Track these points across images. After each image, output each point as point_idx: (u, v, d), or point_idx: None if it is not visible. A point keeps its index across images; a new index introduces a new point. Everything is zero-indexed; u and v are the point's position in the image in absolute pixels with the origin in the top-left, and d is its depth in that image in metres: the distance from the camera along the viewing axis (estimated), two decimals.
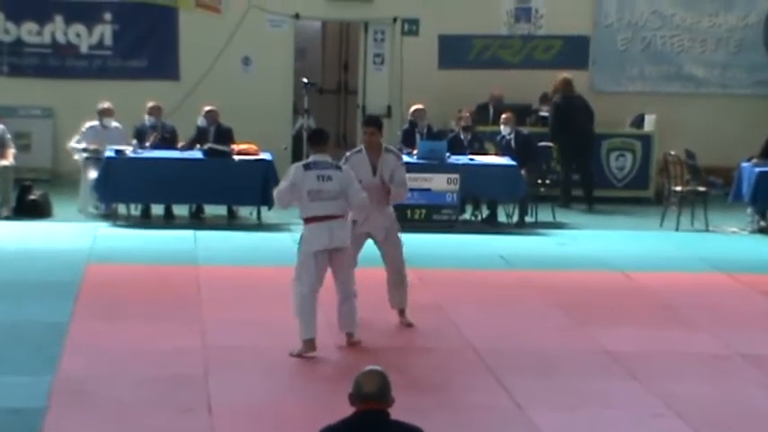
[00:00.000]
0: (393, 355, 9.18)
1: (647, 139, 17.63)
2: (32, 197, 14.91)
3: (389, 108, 18.26)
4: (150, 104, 15.35)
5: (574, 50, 18.39)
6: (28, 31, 17.60)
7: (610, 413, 8.51)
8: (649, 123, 17.64)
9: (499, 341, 10.12)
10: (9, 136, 15.27)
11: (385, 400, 5.24)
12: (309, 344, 9.46)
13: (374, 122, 10.26)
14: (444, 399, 8.65)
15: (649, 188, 17.62)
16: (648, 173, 17.62)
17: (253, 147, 15.12)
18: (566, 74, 17.08)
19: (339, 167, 9.60)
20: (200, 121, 15.29)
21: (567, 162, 16.81)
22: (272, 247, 13.64)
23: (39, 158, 17.24)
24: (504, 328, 10.57)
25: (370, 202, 9.70)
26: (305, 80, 15.84)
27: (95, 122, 15.40)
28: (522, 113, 16.95)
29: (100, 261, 12.47)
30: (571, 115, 16.69)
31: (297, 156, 16.45)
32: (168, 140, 15.30)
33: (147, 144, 14.93)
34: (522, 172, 15.25)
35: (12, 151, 15.12)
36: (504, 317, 10.93)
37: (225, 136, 15.14)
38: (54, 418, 7.86)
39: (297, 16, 18.14)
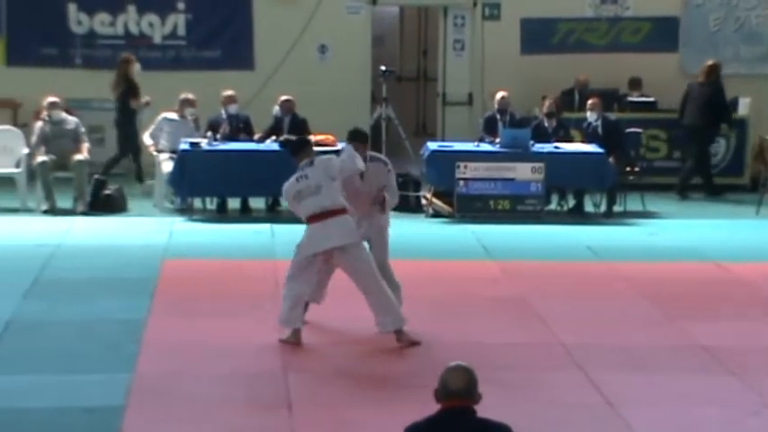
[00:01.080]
0: (476, 351, 8.90)
1: (741, 124, 17.16)
2: (107, 192, 14.80)
3: (470, 95, 17.96)
4: (225, 94, 15.12)
5: (663, 32, 17.99)
6: (101, 23, 17.50)
7: (705, 411, 8.25)
8: (744, 107, 17.21)
9: (587, 336, 9.88)
10: (83, 130, 15.16)
11: (471, 397, 5.14)
12: (297, 334, 9.40)
13: (360, 137, 10.02)
14: (532, 396, 8.43)
15: (744, 175, 17.20)
16: (743, 159, 17.20)
17: (330, 137, 14.85)
18: (711, 61, 16.61)
19: (312, 162, 9.56)
20: (276, 111, 15.05)
21: (687, 149, 16.41)
22: None
23: (113, 152, 17.09)
24: (592, 321, 10.32)
25: (356, 210, 9.64)
26: (383, 68, 15.56)
27: (171, 114, 15.20)
28: (608, 99, 16.62)
29: (176, 256, 12.39)
30: (695, 101, 16.26)
31: (375, 146, 16.13)
32: (243, 131, 15.06)
33: (218, 136, 14.69)
34: (610, 159, 14.89)
35: (86, 146, 15.01)
36: (592, 310, 10.69)
37: (300, 127, 14.88)
38: (133, 416, 7.81)
39: (374, 2, 17.89)
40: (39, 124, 14.99)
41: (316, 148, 14.40)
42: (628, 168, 15.65)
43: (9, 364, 8.83)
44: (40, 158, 14.66)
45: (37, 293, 10.77)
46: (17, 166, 14.98)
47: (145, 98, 15.83)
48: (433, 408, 5.28)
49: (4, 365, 8.81)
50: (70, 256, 12.29)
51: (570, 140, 15.47)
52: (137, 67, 15.99)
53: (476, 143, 15.25)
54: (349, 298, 10.70)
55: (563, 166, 14.68)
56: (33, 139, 14.91)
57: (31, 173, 14.83)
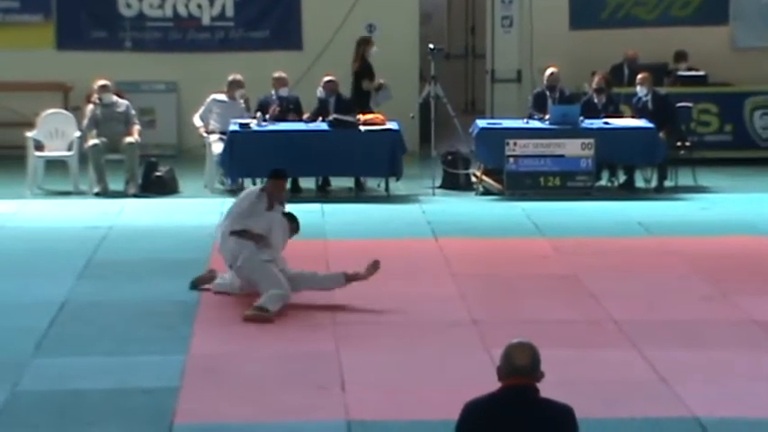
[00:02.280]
0: (529, 329, 8.82)
1: None
2: (158, 173, 14.85)
3: (519, 72, 17.85)
4: (276, 75, 15.11)
5: (713, 5, 17.77)
6: (149, 5, 17.51)
7: (761, 385, 8.16)
8: None
9: (640, 312, 9.82)
10: (134, 112, 15.22)
11: (534, 375, 5.05)
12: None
13: (286, 176, 10.48)
14: (586, 373, 8.39)
15: None
16: None
17: (379, 116, 14.82)
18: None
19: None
20: (320, 93, 15.02)
21: None
22: (401, 218, 13.46)
23: (163, 134, 17.19)
24: (644, 298, 10.25)
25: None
26: (431, 46, 15.45)
27: (220, 95, 15.22)
28: (658, 73, 16.44)
29: None
30: None
31: (424, 125, 16.11)
32: (292, 112, 15.06)
33: (267, 116, 14.70)
34: (661, 134, 14.75)
35: (137, 128, 15.06)
36: (644, 287, 10.60)
37: (345, 106, 14.84)
38: (188, 396, 7.83)
39: None
40: (90, 107, 15.06)
41: (366, 127, 14.53)
42: (678, 143, 15.50)
43: (65, 346, 8.89)
44: (92, 141, 14.73)
45: (90, 275, 10.84)
46: (69, 149, 15.07)
47: (379, 80, 15.73)
48: (489, 387, 5.24)
49: (60, 347, 8.87)
50: (122, 237, 12.35)
51: (620, 116, 15.33)
52: (374, 49, 15.94)
53: (525, 120, 15.18)
54: (404, 279, 10.73)
55: (613, 141, 14.56)
56: (85, 122, 15.00)
57: (83, 156, 14.90)
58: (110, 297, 10.12)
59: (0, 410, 7.59)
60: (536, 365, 5.06)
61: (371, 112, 14.98)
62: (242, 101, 15.22)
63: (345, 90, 15.14)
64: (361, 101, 15.42)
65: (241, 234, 9.94)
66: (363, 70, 15.68)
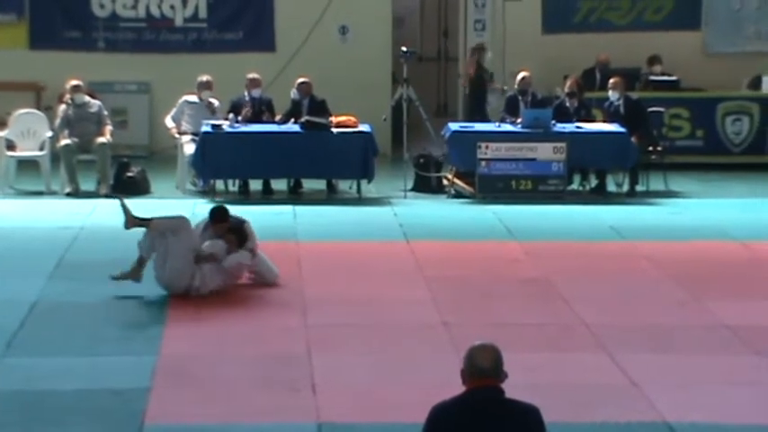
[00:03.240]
0: (500, 331, 8.85)
1: (765, 102, 17.01)
2: (130, 174, 14.81)
3: (491, 75, 17.84)
4: (250, 76, 15.08)
5: (685, 10, 17.87)
6: (123, 5, 17.47)
7: (732, 390, 8.18)
8: (767, 85, 16.99)
9: (611, 316, 9.85)
10: (106, 113, 15.17)
11: (498, 376, 5.07)
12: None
13: (224, 218, 10.56)
14: (557, 377, 8.39)
15: (767, 153, 16.98)
16: (767, 137, 17.00)
17: (351, 119, 14.81)
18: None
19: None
20: (293, 94, 15.02)
21: None
22: (372, 221, 13.47)
23: (135, 135, 17.13)
24: (616, 302, 10.28)
25: None
26: (404, 49, 15.47)
27: (192, 96, 15.18)
28: (630, 78, 16.48)
29: None
30: None
31: (396, 127, 16.13)
32: (265, 113, 15.04)
33: (239, 118, 14.68)
34: (633, 139, 14.80)
35: (109, 128, 15.01)
36: (615, 290, 10.63)
37: (319, 108, 14.85)
38: (158, 397, 7.83)
39: None
40: (62, 107, 15.00)
41: (339, 129, 14.54)
42: (650, 147, 15.56)
43: (34, 346, 8.85)
44: (64, 141, 14.68)
45: (61, 275, 10.80)
46: (41, 149, 15.01)
47: (496, 85, 15.79)
48: (460, 389, 5.25)
49: (30, 347, 8.83)
50: (93, 238, 12.31)
51: (592, 120, 15.38)
52: (489, 55, 15.99)
53: (497, 124, 15.21)
54: (375, 281, 10.73)
55: (585, 145, 14.60)
56: (57, 122, 14.94)
57: (55, 156, 14.86)
58: (80, 297, 10.09)
59: None
60: (499, 366, 5.08)
61: (486, 119, 15.46)
62: (208, 101, 15.15)
63: (319, 92, 15.12)
64: (478, 106, 15.64)
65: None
66: (479, 77, 15.86)
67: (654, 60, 17.13)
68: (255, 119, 14.89)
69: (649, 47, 17.23)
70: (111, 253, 11.62)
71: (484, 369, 5.04)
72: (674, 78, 17.09)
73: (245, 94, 15.06)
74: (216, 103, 15.21)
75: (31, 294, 10.08)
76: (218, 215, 10.53)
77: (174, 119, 15.25)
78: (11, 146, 15.00)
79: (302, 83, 15.07)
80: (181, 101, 15.25)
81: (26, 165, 15.12)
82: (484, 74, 16.22)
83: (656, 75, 17.01)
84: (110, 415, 7.56)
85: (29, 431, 7.35)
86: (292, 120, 14.83)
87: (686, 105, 16.96)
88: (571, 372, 8.51)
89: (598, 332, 9.32)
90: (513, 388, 5.17)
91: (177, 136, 15.13)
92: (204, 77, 15.21)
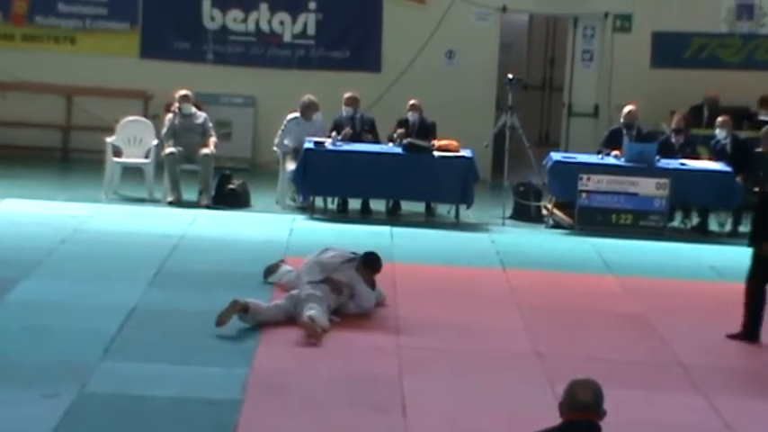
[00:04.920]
0: (593, 366, 8.78)
1: None
2: (232, 186, 14.94)
3: (596, 107, 17.78)
4: (347, 95, 15.17)
5: None
6: (233, 19, 17.67)
7: None
8: None
9: (708, 357, 9.71)
10: (211, 124, 15.32)
11: (597, 412, 5.07)
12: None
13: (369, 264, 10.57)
14: (649, 415, 8.28)
15: None
16: None
17: (453, 143, 14.80)
18: None
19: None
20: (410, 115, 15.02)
21: None
22: (469, 247, 13.42)
23: (239, 147, 17.31)
24: (713, 343, 10.12)
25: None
26: (510, 76, 15.43)
27: (297, 114, 15.28)
28: (739, 117, 16.27)
29: (296, 254, 12.34)
30: None
31: (497, 154, 16.09)
32: (368, 133, 15.09)
33: (339, 138, 14.75)
34: (738, 179, 14.58)
35: (213, 140, 15.15)
36: (713, 331, 10.44)
37: (428, 130, 14.88)
38: (249, 410, 7.86)
39: (504, 9, 17.80)
40: (169, 117, 15.20)
41: (440, 153, 14.55)
42: (755, 189, 15.32)
43: (132, 351, 8.96)
44: (169, 150, 14.86)
45: (160, 283, 10.92)
46: (146, 156, 15.22)
47: None
48: (550, 420, 5.23)
49: (127, 352, 8.94)
50: (193, 248, 12.43)
51: (697, 157, 15.20)
52: None
53: (600, 156, 15.10)
54: (469, 307, 10.70)
55: (689, 182, 14.43)
56: (163, 130, 15.13)
57: (159, 164, 15.05)
58: (178, 306, 10.19)
59: (67, 411, 7.66)
60: (599, 403, 5.08)
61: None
62: (316, 117, 15.19)
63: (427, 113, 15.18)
64: None
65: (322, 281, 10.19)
66: None
67: (765, 102, 16.89)
68: (356, 138, 14.95)
69: (760, 86, 17.01)
70: (209, 264, 11.77)
71: (584, 404, 5.03)
72: None
73: (343, 112, 15.13)
74: (320, 120, 15.28)
75: (130, 300, 10.20)
76: (379, 267, 10.55)
77: (280, 137, 15.29)
78: (117, 152, 15.24)
79: (412, 104, 15.10)
80: (287, 119, 15.30)
81: (131, 171, 15.34)
82: None
83: (766, 116, 16.77)
84: (202, 425, 7.63)
85: None
86: (397, 139, 14.82)
87: None
88: (664, 411, 8.40)
89: (693, 372, 9.20)
90: (605, 424, 5.13)
91: (277, 150, 15.18)
92: (307, 99, 15.22)
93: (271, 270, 11.06)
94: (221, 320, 9.58)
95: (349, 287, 10.25)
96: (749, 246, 10.36)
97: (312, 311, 9.69)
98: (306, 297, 9.94)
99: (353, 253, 10.56)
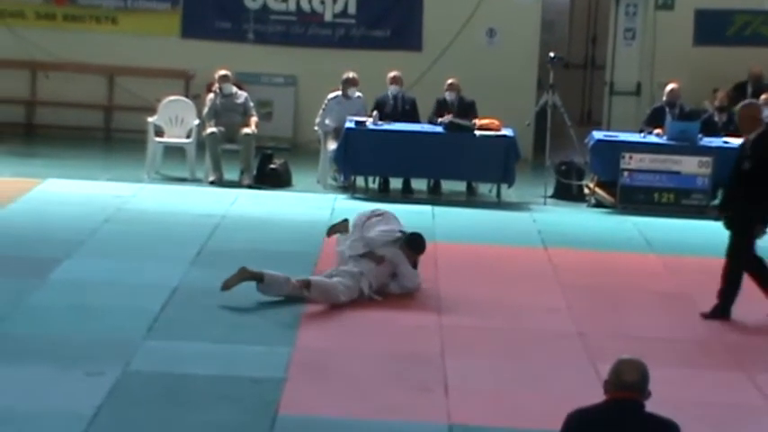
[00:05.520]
0: (635, 345, 8.75)
1: None
2: (273, 166, 14.98)
3: (639, 85, 17.68)
4: (392, 74, 15.16)
5: None
6: None
7: None
8: None
9: (749, 335, 9.70)
10: (252, 104, 15.35)
11: (642, 392, 5.09)
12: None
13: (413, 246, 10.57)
14: (691, 394, 8.26)
15: None
16: None
17: (495, 122, 14.76)
18: None
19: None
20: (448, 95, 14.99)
21: None
22: (511, 226, 13.40)
23: (280, 127, 17.34)
24: (754, 321, 10.06)
25: None
26: (551, 54, 15.36)
27: (337, 93, 15.30)
28: None
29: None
30: None
31: (539, 133, 16.04)
32: (408, 113, 15.09)
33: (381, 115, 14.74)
34: None
35: (254, 119, 15.18)
36: (755, 310, 10.36)
37: (468, 109, 14.85)
38: (292, 389, 7.90)
39: None
40: (210, 96, 15.25)
41: (481, 132, 14.52)
42: None
43: (175, 330, 9.03)
44: (210, 130, 14.91)
45: (202, 262, 10.98)
46: (188, 136, 15.28)
47: None
48: (593, 400, 5.22)
49: (171, 330, 9.01)
50: (235, 227, 12.49)
51: (740, 135, 15.05)
52: None
53: (642, 134, 15.02)
54: (511, 286, 10.70)
55: (732, 161, 14.30)
56: (204, 110, 15.18)
57: (201, 144, 15.11)
58: (220, 284, 10.23)
59: (111, 389, 7.73)
60: (644, 383, 5.08)
61: None
62: (357, 95, 15.21)
63: (463, 93, 15.14)
64: None
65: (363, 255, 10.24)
66: None
67: None
68: (397, 117, 14.94)
69: None
70: (251, 243, 11.82)
71: (629, 383, 5.04)
72: None
73: (388, 92, 15.13)
74: (361, 98, 15.28)
75: (172, 279, 10.27)
76: (423, 249, 10.58)
77: (321, 116, 15.31)
78: (159, 132, 15.31)
79: (450, 84, 15.07)
80: (326, 100, 15.31)
81: (172, 151, 15.41)
82: None
83: None
84: (245, 402, 7.67)
85: (169, 412, 7.49)
86: (439, 119, 14.81)
87: None
88: (706, 389, 8.39)
89: (736, 350, 9.18)
90: (648, 404, 5.14)
91: (318, 130, 15.20)
92: (348, 74, 15.28)
93: (336, 229, 10.94)
94: (226, 285, 9.75)
95: (392, 264, 10.26)
96: None
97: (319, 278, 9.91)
98: (338, 273, 10.00)
99: (401, 231, 10.55)
